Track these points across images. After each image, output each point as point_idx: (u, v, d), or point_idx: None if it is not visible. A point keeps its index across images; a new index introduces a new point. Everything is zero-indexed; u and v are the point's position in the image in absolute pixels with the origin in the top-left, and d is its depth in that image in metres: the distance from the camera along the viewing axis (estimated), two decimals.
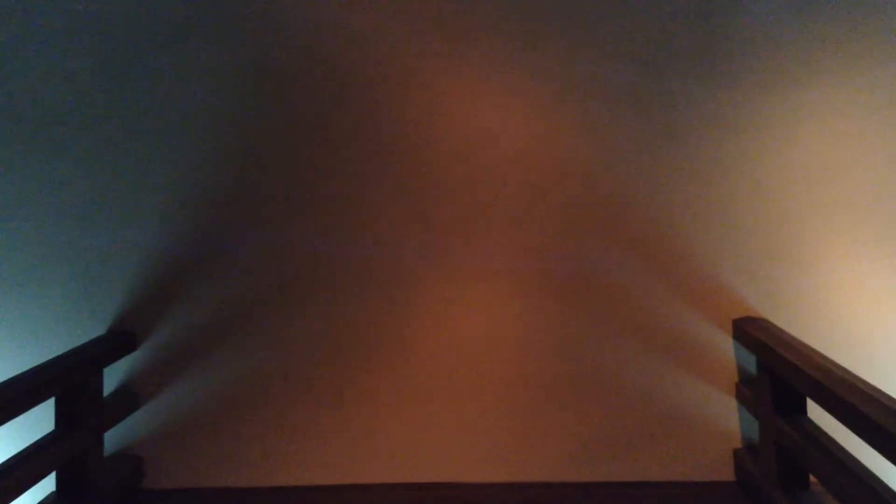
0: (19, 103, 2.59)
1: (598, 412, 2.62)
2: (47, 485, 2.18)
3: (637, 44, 2.55)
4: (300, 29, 2.57)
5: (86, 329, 2.55)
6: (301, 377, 2.63)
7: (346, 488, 2.59)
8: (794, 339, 2.30)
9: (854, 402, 1.73)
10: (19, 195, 2.59)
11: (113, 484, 2.43)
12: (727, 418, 2.59)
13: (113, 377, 2.57)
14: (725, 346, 2.59)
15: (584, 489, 2.55)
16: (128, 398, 2.58)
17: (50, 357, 2.26)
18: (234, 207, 2.62)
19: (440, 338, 2.64)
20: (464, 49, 2.58)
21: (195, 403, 2.62)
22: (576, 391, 2.62)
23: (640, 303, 2.61)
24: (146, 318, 2.61)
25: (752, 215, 2.56)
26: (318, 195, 2.61)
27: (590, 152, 2.59)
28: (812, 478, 2.17)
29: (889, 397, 1.72)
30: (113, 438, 2.55)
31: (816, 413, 2.07)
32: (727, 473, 2.57)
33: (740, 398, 2.55)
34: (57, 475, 2.25)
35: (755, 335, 2.38)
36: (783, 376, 2.19)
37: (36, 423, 2.19)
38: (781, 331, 2.40)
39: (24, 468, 1.98)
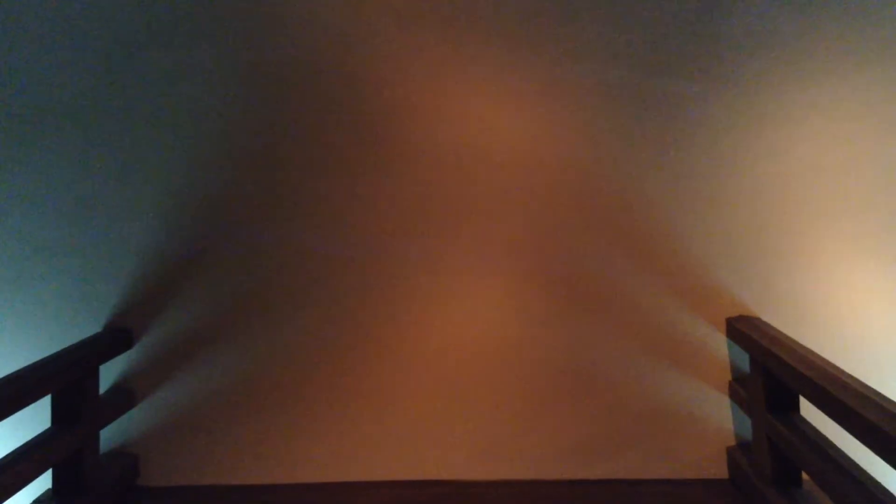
0: (15, 101, 2.59)
1: (592, 410, 2.63)
2: (43, 482, 2.19)
3: (632, 44, 2.56)
4: (297, 29, 2.57)
5: (82, 326, 2.55)
6: (296, 375, 2.64)
7: (340, 486, 2.60)
8: (787, 337, 2.31)
9: (846, 400, 1.74)
10: (16, 193, 2.59)
11: (109, 481, 2.43)
12: (720, 416, 2.61)
13: (109, 375, 2.58)
14: (719, 345, 2.61)
15: (579, 486, 2.57)
16: (124, 396, 2.58)
17: (46, 354, 2.26)
18: (230, 206, 2.62)
19: (435, 337, 2.65)
20: (459, 50, 2.59)
21: (191, 401, 2.63)
22: (570, 389, 2.63)
23: (635, 301, 2.62)
24: (142, 315, 2.61)
25: (746, 215, 2.57)
26: (314, 195, 2.61)
27: (585, 152, 2.60)
28: (805, 475, 2.20)
29: (881, 395, 1.73)
30: (109, 436, 2.55)
31: (809, 411, 2.09)
32: (720, 471, 2.59)
33: (734, 396, 2.57)
34: (53, 472, 2.26)
35: (749, 334, 2.40)
36: (776, 374, 2.20)
37: (32, 420, 2.19)
38: (775, 329, 2.42)
39: (21, 465, 1.98)
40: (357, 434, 2.63)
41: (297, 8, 2.57)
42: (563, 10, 2.56)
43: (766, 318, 2.56)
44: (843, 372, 1.93)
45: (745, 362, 2.50)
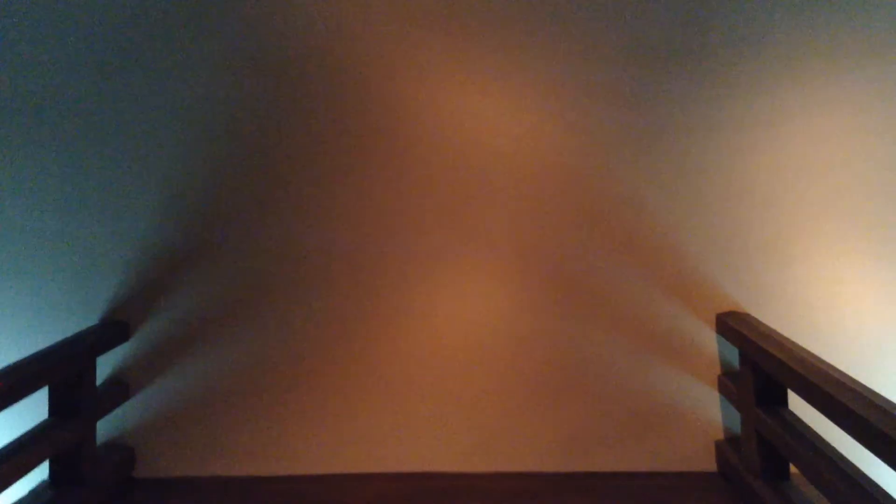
0: (13, 96, 2.59)
1: (583, 404, 2.66)
2: (40, 473, 2.20)
3: (624, 42, 2.58)
4: (291, 24, 2.58)
5: (79, 319, 2.56)
6: (292, 368, 2.66)
7: (333, 478, 2.62)
8: (776, 332, 2.35)
9: (834, 394, 1.78)
10: (13, 187, 2.59)
11: (105, 472, 2.44)
12: (710, 410, 2.64)
13: (106, 367, 2.58)
14: (709, 340, 2.64)
15: (569, 479, 2.60)
16: (120, 388, 2.59)
17: (43, 347, 2.26)
18: (227, 200, 2.63)
19: (429, 331, 2.67)
20: (452, 46, 2.60)
21: (187, 393, 2.64)
22: (561, 383, 2.66)
23: (626, 297, 2.65)
24: (139, 308, 2.62)
25: (736, 212, 2.61)
26: (311, 189, 2.63)
27: (576, 149, 2.62)
28: (793, 468, 2.23)
29: (869, 389, 1.77)
30: (105, 427, 2.56)
31: (797, 405, 2.12)
32: (709, 464, 2.62)
33: (723, 391, 2.60)
34: (50, 464, 2.26)
35: (738, 329, 2.43)
36: (765, 369, 2.24)
37: (29, 411, 2.20)
38: (764, 325, 2.45)
39: (18, 457, 2.00)
40: (352, 427, 2.65)
41: (297, 3, 2.58)
42: (556, 10, 2.58)
43: (755, 313, 2.59)
44: (831, 366, 1.96)
45: (734, 357, 2.53)
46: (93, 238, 2.60)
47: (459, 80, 2.62)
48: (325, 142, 2.62)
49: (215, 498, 2.52)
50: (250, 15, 2.58)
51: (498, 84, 2.62)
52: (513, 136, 2.63)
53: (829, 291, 2.59)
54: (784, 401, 2.31)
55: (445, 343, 2.67)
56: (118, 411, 2.58)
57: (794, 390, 2.08)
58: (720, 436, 2.64)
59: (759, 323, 2.49)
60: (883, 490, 1.73)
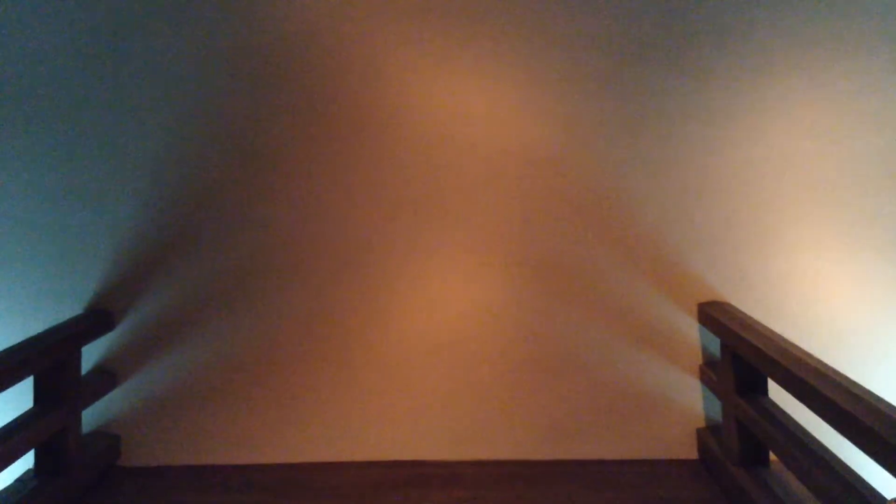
0: (1, 87, 2.57)
1: (566, 392, 2.69)
2: (26, 462, 2.20)
3: (609, 35, 2.58)
4: (278, 16, 2.57)
5: (64, 308, 2.55)
6: (278, 357, 2.67)
7: (320, 466, 2.63)
8: (756, 322, 2.37)
9: (813, 382, 1.80)
10: None
11: (90, 461, 2.45)
12: (691, 399, 2.68)
13: (91, 356, 2.58)
14: (691, 330, 2.67)
15: (552, 467, 2.63)
16: (105, 377, 2.60)
17: (28, 336, 2.26)
18: (212, 190, 2.63)
19: (416, 321, 2.69)
20: (436, 38, 2.60)
21: (172, 382, 2.64)
22: (545, 372, 2.69)
23: (609, 287, 2.67)
24: (123, 297, 2.62)
25: (718, 203, 2.63)
26: (293, 178, 2.63)
27: (560, 140, 2.63)
28: (772, 455, 2.27)
29: (847, 378, 1.80)
30: (90, 416, 2.56)
31: (777, 394, 2.15)
32: (690, 452, 2.66)
33: (704, 379, 2.64)
34: (35, 452, 2.27)
35: (719, 319, 2.46)
36: (746, 358, 2.26)
37: (15, 400, 2.20)
38: (745, 315, 2.48)
39: (3, 445, 2.00)
40: (339, 415, 2.67)
41: None
42: (534, 1, 2.58)
43: (736, 303, 2.62)
44: (810, 356, 1.99)
45: (715, 347, 2.56)
46: (77, 228, 2.59)
47: (446, 72, 2.62)
48: (312, 134, 2.62)
49: (201, 486, 2.52)
50: (234, 7, 2.57)
51: (479, 75, 2.62)
52: (496, 128, 2.63)
53: (809, 281, 2.63)
54: (764, 389, 2.34)
55: (430, 334, 2.68)
56: (103, 400, 2.58)
57: (773, 379, 2.10)
58: (701, 424, 2.67)
59: (740, 312, 2.51)
60: (858, 475, 1.76)
